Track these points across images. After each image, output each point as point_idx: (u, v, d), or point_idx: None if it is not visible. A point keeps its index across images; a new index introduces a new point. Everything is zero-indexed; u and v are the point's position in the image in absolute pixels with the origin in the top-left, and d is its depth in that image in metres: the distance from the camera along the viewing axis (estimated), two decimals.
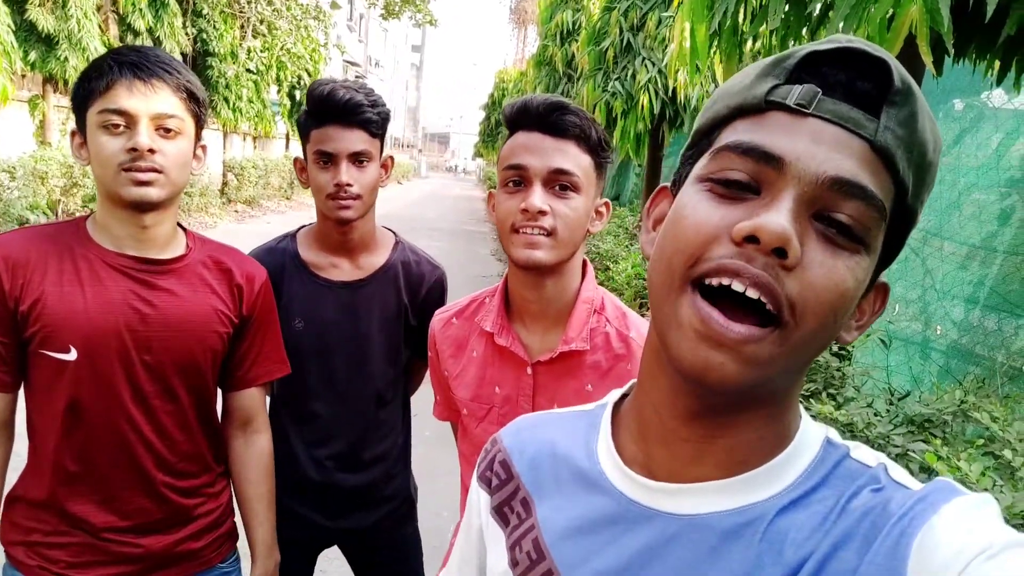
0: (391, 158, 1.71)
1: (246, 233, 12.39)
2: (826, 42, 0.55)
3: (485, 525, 0.74)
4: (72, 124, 1.31)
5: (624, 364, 1.22)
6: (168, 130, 1.25)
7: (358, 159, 1.57)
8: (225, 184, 15.67)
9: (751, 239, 0.51)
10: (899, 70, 0.53)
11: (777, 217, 0.50)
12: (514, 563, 0.67)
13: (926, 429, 1.92)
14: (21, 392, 1.33)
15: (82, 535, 1.30)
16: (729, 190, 0.54)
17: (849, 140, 0.52)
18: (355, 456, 1.70)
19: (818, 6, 2.21)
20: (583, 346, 1.22)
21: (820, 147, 0.52)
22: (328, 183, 1.55)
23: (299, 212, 17.56)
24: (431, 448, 3.93)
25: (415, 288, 1.73)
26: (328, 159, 1.56)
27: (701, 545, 0.56)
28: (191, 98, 1.30)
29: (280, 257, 1.66)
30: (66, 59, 10.25)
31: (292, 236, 1.72)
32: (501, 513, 0.72)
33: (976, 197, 4.45)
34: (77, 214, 9.62)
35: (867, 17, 1.88)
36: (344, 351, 1.66)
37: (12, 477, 1.35)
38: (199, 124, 1.34)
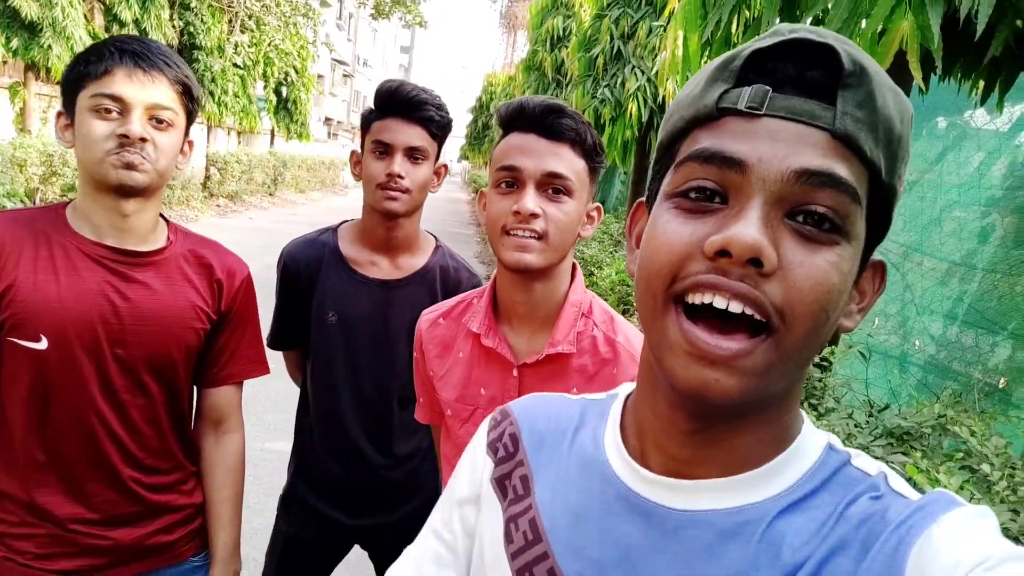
0: (445, 167, 1.72)
1: (228, 227, 12.30)
2: (769, 36, 0.54)
3: (484, 493, 0.73)
4: (59, 105, 1.29)
5: (610, 368, 1.21)
6: (161, 121, 1.25)
7: (413, 154, 1.58)
8: (208, 178, 15.54)
9: (723, 253, 0.50)
10: (848, 52, 0.52)
11: (746, 227, 0.50)
12: (509, 539, 0.66)
13: (905, 442, 1.93)
14: None
15: (49, 526, 1.27)
16: (697, 203, 0.54)
17: (808, 133, 0.51)
18: (379, 454, 1.69)
19: (809, 19, 2.23)
20: (569, 349, 1.21)
21: (779, 144, 0.51)
22: (380, 172, 1.56)
23: (281, 208, 17.45)
24: None
25: (451, 293, 1.70)
26: (385, 149, 1.57)
27: (698, 542, 0.56)
28: (186, 93, 1.30)
29: (320, 250, 1.66)
30: (49, 47, 10.12)
31: (333, 230, 1.72)
32: (501, 485, 0.71)
33: (957, 215, 4.51)
34: (54, 202, 9.43)
35: (858, 31, 1.90)
36: (372, 349, 1.66)
37: None
38: (190, 119, 1.34)
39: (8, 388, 1.25)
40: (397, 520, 1.73)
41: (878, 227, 0.56)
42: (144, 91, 1.22)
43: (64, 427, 1.26)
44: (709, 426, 0.56)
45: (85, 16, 11.03)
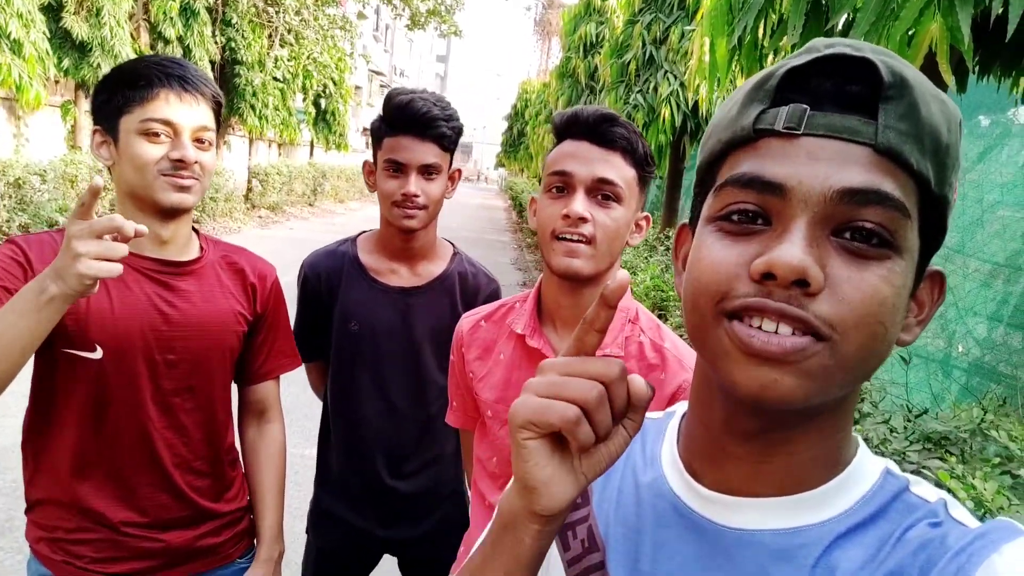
0: (459, 171, 1.73)
1: (270, 238, 12.54)
2: (804, 52, 0.53)
3: None
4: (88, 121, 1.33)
5: (658, 373, 1.22)
6: (203, 141, 1.31)
7: (428, 171, 1.59)
8: (250, 190, 15.87)
9: (768, 275, 0.49)
10: (888, 64, 0.50)
11: (790, 249, 0.48)
12: (566, 546, 0.66)
13: (943, 447, 1.90)
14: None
15: (104, 531, 1.32)
16: (739, 225, 0.53)
17: (850, 150, 0.50)
18: (406, 461, 1.70)
19: (841, 20, 2.22)
20: (617, 352, 1.22)
21: (820, 164, 0.50)
22: (395, 191, 1.58)
23: (322, 219, 17.72)
24: None
25: (470, 299, 1.73)
26: (398, 168, 1.58)
27: (751, 563, 0.55)
28: (218, 110, 1.37)
29: (340, 260, 1.69)
30: (99, 66, 10.46)
31: (353, 240, 1.75)
32: None
33: (1001, 214, 4.40)
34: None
35: (887, 34, 1.88)
36: (396, 356, 1.67)
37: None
38: (218, 134, 1.40)
39: (63, 398, 1.30)
40: (426, 531, 1.74)
41: (932, 236, 0.54)
42: (191, 114, 1.28)
43: (119, 433, 1.31)
44: (765, 435, 0.55)
45: (131, 35, 11.39)
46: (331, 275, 1.67)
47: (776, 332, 0.49)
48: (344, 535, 1.73)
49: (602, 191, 1.18)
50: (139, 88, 1.26)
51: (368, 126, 1.70)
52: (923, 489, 0.55)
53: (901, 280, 0.51)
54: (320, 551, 1.77)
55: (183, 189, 1.28)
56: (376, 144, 1.64)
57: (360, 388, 1.67)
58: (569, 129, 1.22)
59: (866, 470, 0.57)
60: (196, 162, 1.28)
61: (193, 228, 1.43)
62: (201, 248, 1.42)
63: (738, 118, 0.55)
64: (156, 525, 1.36)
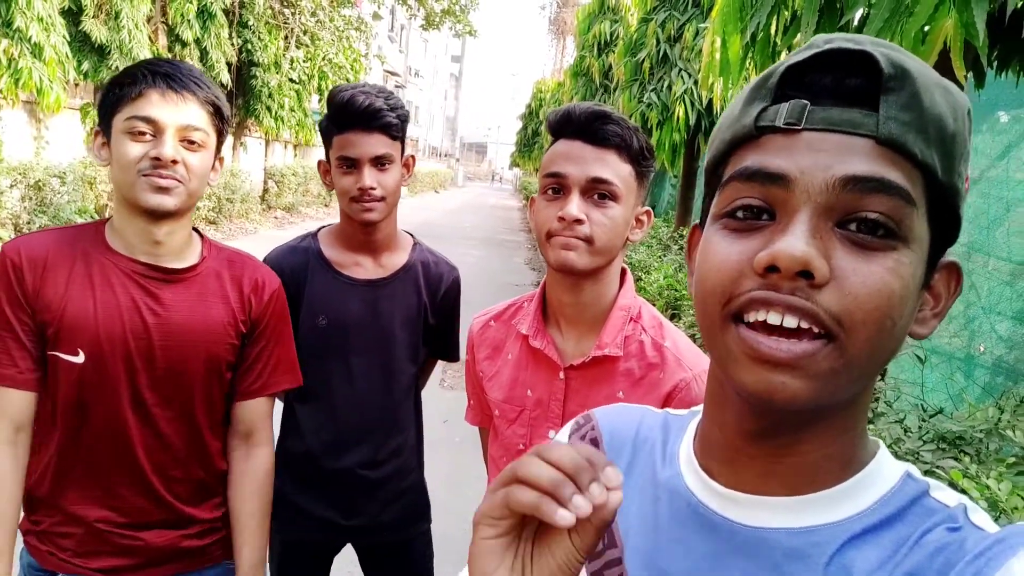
0: (412, 157, 1.73)
1: (285, 239, 12.59)
2: (803, 50, 0.54)
3: None
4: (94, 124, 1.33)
5: (656, 372, 1.21)
6: (192, 142, 1.27)
7: (380, 163, 1.60)
8: (266, 191, 15.98)
9: (772, 268, 0.49)
10: (887, 55, 0.50)
11: (792, 240, 0.49)
12: None
13: (957, 447, 1.88)
14: None
15: (82, 527, 1.32)
16: (744, 221, 0.54)
17: (852, 142, 0.50)
18: (373, 451, 1.72)
19: (857, 15, 2.20)
20: (616, 352, 1.22)
21: (821, 155, 0.50)
22: (352, 187, 1.59)
23: (336, 219, 17.78)
24: (460, 452, 3.96)
25: (434, 287, 1.76)
26: (351, 164, 1.59)
27: (765, 560, 0.55)
28: (217, 113, 1.32)
29: (303, 255, 1.70)
30: (117, 68, 10.56)
31: (313, 235, 1.76)
32: None
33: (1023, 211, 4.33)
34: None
35: (901, 31, 1.86)
36: (367, 348, 1.69)
37: None
38: (221, 139, 1.36)
39: (49, 399, 1.30)
40: (389, 519, 1.76)
41: (945, 227, 0.54)
42: (176, 113, 1.24)
43: (98, 437, 1.30)
44: (775, 434, 0.56)
45: (149, 37, 11.51)
46: (296, 271, 1.66)
47: (782, 325, 0.49)
48: (308, 525, 1.73)
49: (597, 190, 1.18)
50: (127, 87, 1.24)
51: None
52: (943, 494, 0.55)
53: (909, 272, 0.50)
54: (284, 543, 1.77)
55: (162, 190, 1.24)
56: (327, 143, 1.65)
57: (328, 380, 1.67)
58: (562, 128, 1.22)
59: (885, 472, 0.56)
60: (177, 161, 1.24)
61: (198, 233, 1.41)
62: (202, 255, 1.38)
63: (740, 116, 0.56)
64: (134, 526, 1.34)
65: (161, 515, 1.36)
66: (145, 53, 10.78)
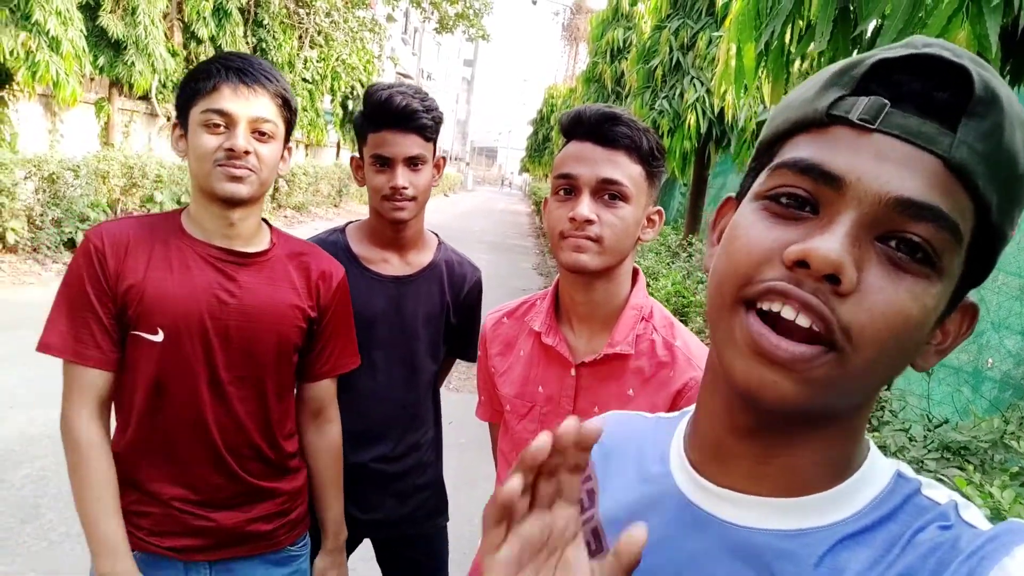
0: (443, 158, 1.77)
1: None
2: (900, 47, 0.51)
3: None
4: (174, 117, 1.41)
5: (667, 371, 1.23)
6: (263, 133, 1.34)
7: (413, 163, 1.63)
8: (276, 190, 16.06)
9: (802, 264, 0.48)
10: (983, 76, 0.48)
11: (830, 242, 0.47)
12: None
13: (962, 456, 1.89)
14: None
15: (158, 506, 1.39)
16: (786, 208, 0.52)
17: (919, 157, 0.48)
18: (393, 446, 1.74)
19: (870, 27, 2.21)
20: (627, 350, 1.23)
21: (885, 165, 0.48)
22: (384, 185, 1.62)
23: (345, 219, 17.76)
24: (465, 453, 3.97)
25: (458, 287, 1.79)
26: (384, 163, 1.62)
27: (754, 561, 0.55)
28: (285, 105, 1.40)
29: (331, 249, 1.71)
30: (132, 64, 10.66)
31: (341, 230, 1.79)
32: None
33: None
34: (135, 212, 10.00)
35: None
36: (390, 343, 1.71)
37: None
38: (289, 130, 1.43)
39: (129, 377, 1.36)
40: (407, 513, 1.78)
41: (978, 268, 0.52)
42: (247, 105, 1.32)
43: (176, 414, 1.37)
44: (763, 433, 0.55)
45: (165, 34, 11.59)
46: None
47: (795, 322, 0.48)
48: None
49: (608, 191, 1.20)
50: (202, 81, 1.32)
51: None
52: (934, 491, 0.54)
53: (933, 302, 0.49)
54: None
55: (236, 179, 1.31)
56: (360, 140, 1.68)
57: (350, 373, 1.69)
58: (573, 129, 1.24)
59: (876, 474, 0.56)
60: (249, 152, 1.31)
61: (267, 223, 1.48)
62: (271, 242, 1.46)
63: (814, 100, 0.53)
64: (207, 504, 1.41)
65: (232, 491, 1.43)
66: (160, 49, 10.86)
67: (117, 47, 10.63)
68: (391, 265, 1.74)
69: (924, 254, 0.48)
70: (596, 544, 0.66)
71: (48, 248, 7.99)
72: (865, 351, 0.48)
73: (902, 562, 0.50)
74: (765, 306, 0.50)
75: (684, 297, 4.74)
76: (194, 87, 1.32)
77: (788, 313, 0.49)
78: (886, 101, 0.49)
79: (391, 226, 1.68)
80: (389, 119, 1.59)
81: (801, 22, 2.32)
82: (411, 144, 1.61)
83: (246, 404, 1.41)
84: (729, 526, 0.57)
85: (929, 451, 1.80)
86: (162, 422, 1.36)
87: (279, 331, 1.41)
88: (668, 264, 6.32)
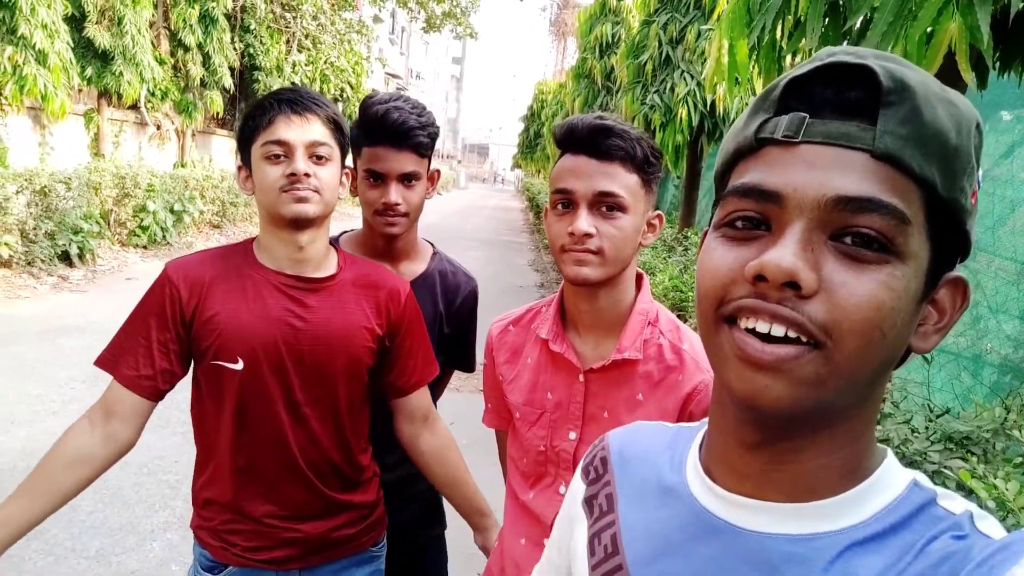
0: (438, 171, 1.75)
1: None
2: (806, 64, 0.54)
3: (575, 514, 0.77)
4: (236, 160, 1.48)
5: (676, 375, 1.23)
6: (320, 157, 1.40)
7: (407, 179, 1.62)
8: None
9: (761, 278, 0.51)
10: (888, 69, 0.51)
11: (780, 251, 0.50)
12: (592, 553, 0.70)
13: (965, 446, 1.89)
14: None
15: (250, 523, 1.46)
16: (742, 231, 0.55)
17: (847, 156, 0.51)
18: (389, 453, 1.73)
19: (859, 21, 2.21)
20: (636, 355, 1.24)
21: (816, 171, 0.51)
22: (376, 200, 1.61)
23: (339, 222, 17.81)
24: (466, 455, 3.96)
25: (451, 297, 1.78)
26: (378, 178, 1.61)
27: (765, 565, 0.56)
28: (338, 129, 1.45)
29: None
30: (120, 73, 10.64)
31: (335, 241, 1.77)
32: (589, 504, 0.75)
33: None
34: (128, 224, 9.97)
35: (905, 34, 1.88)
36: None
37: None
38: (343, 152, 1.48)
39: (213, 406, 1.43)
40: (399, 523, 1.77)
41: (949, 241, 0.54)
42: (302, 132, 1.37)
43: (258, 438, 1.43)
44: (770, 444, 0.56)
45: (152, 43, 11.56)
46: None
47: (770, 334, 0.51)
48: None
49: (605, 203, 1.20)
50: (259, 117, 1.38)
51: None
52: (950, 502, 0.55)
53: (903, 285, 0.51)
54: None
55: (301, 200, 1.36)
56: (355, 151, 1.65)
57: None
58: (567, 143, 1.24)
59: (891, 481, 0.56)
60: (309, 175, 1.36)
61: (334, 246, 1.53)
62: (339, 265, 1.50)
63: (744, 128, 0.57)
64: (294, 517, 1.47)
65: (317, 505, 1.49)
66: (148, 58, 10.83)
67: (104, 57, 10.60)
68: None
69: (878, 243, 0.50)
70: (612, 548, 0.68)
71: (42, 262, 7.96)
72: (847, 343, 0.50)
73: (913, 570, 0.50)
74: (742, 324, 0.53)
75: (682, 292, 4.75)
76: (252, 125, 1.39)
77: (762, 327, 0.51)
78: (805, 114, 0.52)
79: (383, 237, 1.68)
80: (384, 135, 1.58)
81: (791, 17, 2.32)
82: (406, 161, 1.60)
83: (322, 423, 1.46)
84: (741, 531, 0.58)
85: (932, 443, 1.81)
86: (247, 444, 1.43)
87: (349, 352, 1.46)
88: (665, 259, 6.32)
